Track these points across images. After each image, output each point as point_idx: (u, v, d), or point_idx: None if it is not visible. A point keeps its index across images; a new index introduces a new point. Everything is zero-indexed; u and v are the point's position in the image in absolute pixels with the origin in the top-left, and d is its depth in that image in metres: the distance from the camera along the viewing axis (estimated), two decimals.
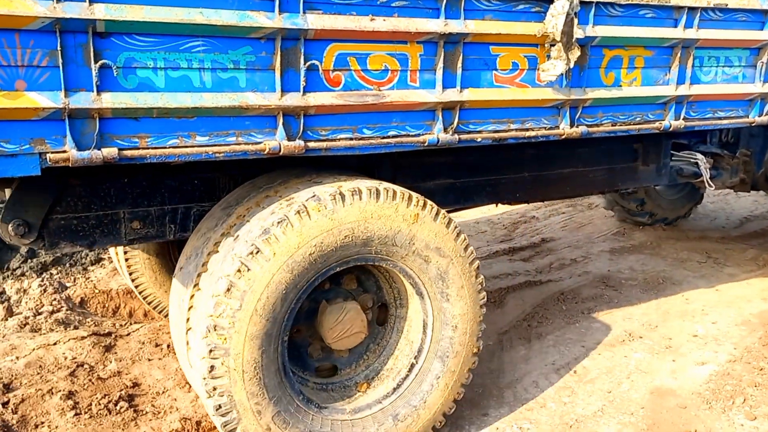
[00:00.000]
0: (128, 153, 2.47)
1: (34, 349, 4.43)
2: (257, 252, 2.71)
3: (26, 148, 2.31)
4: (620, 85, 3.62)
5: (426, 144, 3.11)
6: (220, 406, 2.77)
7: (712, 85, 3.98)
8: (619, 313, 5.26)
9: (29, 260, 5.90)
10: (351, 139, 2.94)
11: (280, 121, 2.74)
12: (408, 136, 3.08)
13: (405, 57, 2.97)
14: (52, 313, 5.10)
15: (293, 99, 2.73)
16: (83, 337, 4.62)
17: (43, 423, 3.67)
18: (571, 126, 3.50)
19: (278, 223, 2.75)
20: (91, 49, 2.33)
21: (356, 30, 2.78)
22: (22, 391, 3.92)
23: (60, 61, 2.29)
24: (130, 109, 2.43)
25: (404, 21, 2.88)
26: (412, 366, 3.36)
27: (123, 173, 3.11)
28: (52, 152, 2.35)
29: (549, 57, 3.29)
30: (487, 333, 4.93)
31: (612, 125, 3.68)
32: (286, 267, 2.76)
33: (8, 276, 5.75)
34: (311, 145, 2.83)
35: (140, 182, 3.17)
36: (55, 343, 4.49)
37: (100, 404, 3.84)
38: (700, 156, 5.66)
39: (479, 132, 3.26)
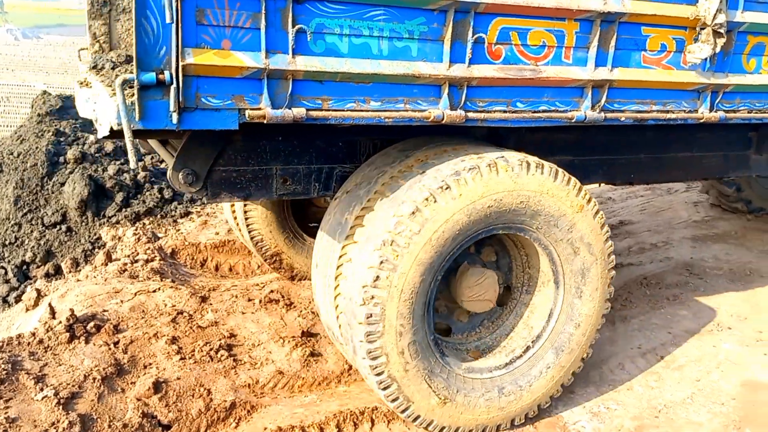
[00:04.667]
0: (314, 113, 2.63)
1: (135, 294, 4.63)
2: (446, 188, 2.90)
3: (228, 103, 2.49)
4: (760, 72, 3.62)
5: (573, 120, 3.19)
6: (371, 315, 2.92)
7: None
8: (706, 302, 5.16)
9: (124, 209, 6.16)
10: (505, 111, 3.05)
11: (445, 91, 2.86)
12: (557, 111, 3.17)
13: (562, 33, 3.05)
14: (147, 261, 5.33)
15: (459, 70, 2.85)
16: (180, 287, 4.83)
17: (151, 364, 3.83)
18: (710, 111, 3.53)
19: (469, 169, 2.94)
20: (290, 14, 2.48)
21: (523, 6, 2.87)
22: (130, 332, 4.10)
23: (263, 23, 2.44)
24: (318, 72, 2.58)
25: None
26: (527, 349, 3.48)
27: (279, 132, 3.28)
28: (250, 109, 2.53)
29: (696, 40, 3.31)
30: None
31: (748, 112, 3.69)
32: (466, 210, 2.95)
33: (104, 223, 6.04)
34: (471, 115, 2.95)
35: (292, 142, 3.34)
36: (154, 291, 4.73)
37: (202, 351, 3.98)
38: None
39: (623, 111, 3.32)
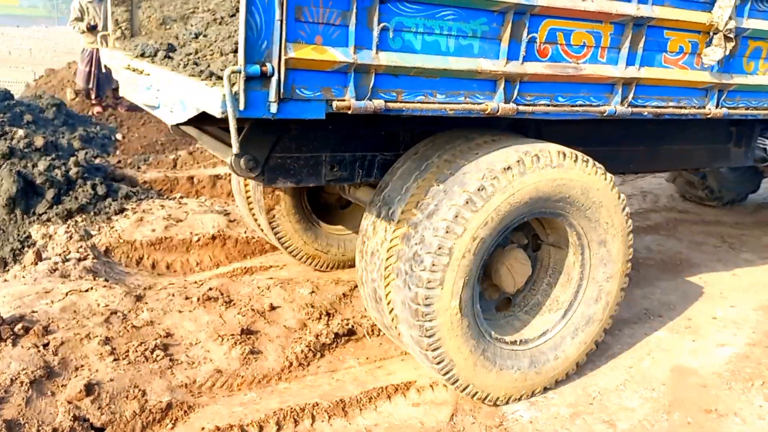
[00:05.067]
0: (391, 105, 2.84)
1: (67, 294, 4.45)
2: (564, 156, 3.41)
3: (318, 95, 2.67)
4: (757, 74, 4.02)
5: (605, 114, 3.50)
6: (469, 200, 3.14)
7: None
8: (638, 292, 5.32)
9: (55, 206, 5.91)
10: (548, 105, 3.33)
11: (501, 86, 3.11)
12: (591, 106, 3.47)
13: (599, 35, 3.34)
14: (79, 260, 5.15)
15: (514, 67, 3.10)
16: (113, 286, 4.69)
17: (83, 366, 3.69)
18: (716, 107, 3.91)
19: (584, 160, 3.50)
20: (376, 12, 2.68)
21: (571, 9, 3.14)
22: (60, 334, 3.93)
23: (352, 20, 2.63)
24: (397, 66, 2.79)
25: (607, 2, 3.24)
26: (513, 342, 3.69)
27: (329, 122, 3.46)
28: (337, 100, 2.71)
29: (708, 44, 3.67)
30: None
31: (746, 109, 4.09)
32: (569, 183, 3.42)
33: (34, 221, 5.78)
34: (520, 108, 3.21)
35: (340, 131, 3.53)
36: (87, 290, 4.56)
37: (137, 351, 3.87)
38: None
39: (645, 107, 3.65)
